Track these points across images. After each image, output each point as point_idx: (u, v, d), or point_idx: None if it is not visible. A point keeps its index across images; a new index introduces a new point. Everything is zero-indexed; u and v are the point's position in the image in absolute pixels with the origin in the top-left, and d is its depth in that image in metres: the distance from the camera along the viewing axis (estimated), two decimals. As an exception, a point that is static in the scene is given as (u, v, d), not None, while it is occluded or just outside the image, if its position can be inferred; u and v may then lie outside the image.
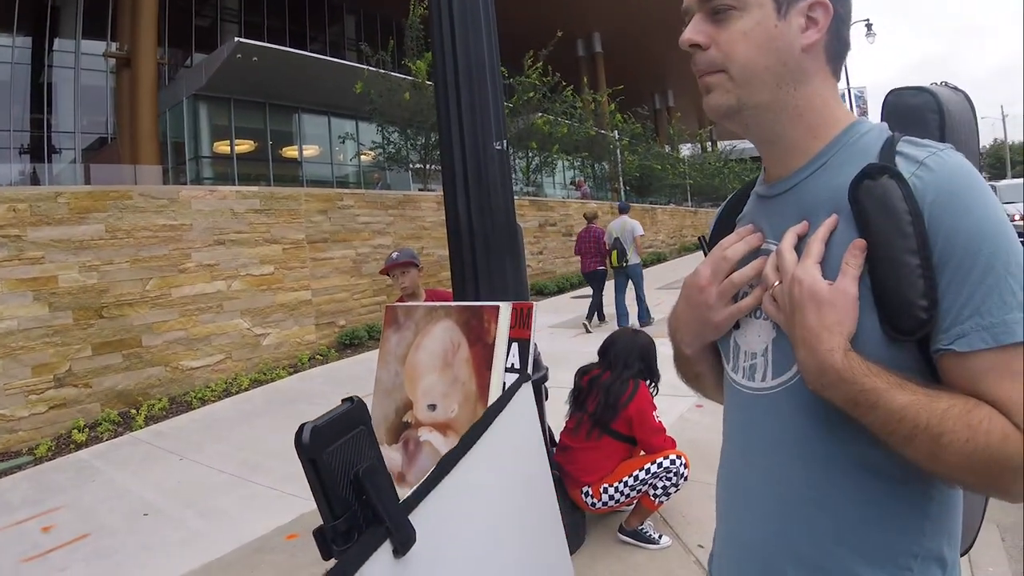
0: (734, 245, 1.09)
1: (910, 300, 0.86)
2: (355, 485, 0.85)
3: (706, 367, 1.25)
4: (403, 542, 0.88)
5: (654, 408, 3.66)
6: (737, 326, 1.12)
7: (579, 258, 11.80)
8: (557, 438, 3.94)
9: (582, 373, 3.91)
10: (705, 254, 1.21)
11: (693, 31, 1.00)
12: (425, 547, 0.92)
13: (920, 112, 1.08)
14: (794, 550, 1.01)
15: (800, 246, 0.98)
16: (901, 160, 0.92)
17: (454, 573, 1.04)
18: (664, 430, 3.67)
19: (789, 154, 1.05)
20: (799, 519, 1.00)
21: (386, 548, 0.86)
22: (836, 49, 1.02)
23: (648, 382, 3.78)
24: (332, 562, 0.81)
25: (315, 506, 0.83)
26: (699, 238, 1.33)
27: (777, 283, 0.98)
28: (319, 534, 0.83)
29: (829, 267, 0.93)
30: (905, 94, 1.12)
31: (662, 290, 15.21)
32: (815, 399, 0.93)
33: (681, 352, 1.24)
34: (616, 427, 3.64)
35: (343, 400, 0.91)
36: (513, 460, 1.25)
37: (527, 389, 1.30)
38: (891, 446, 0.85)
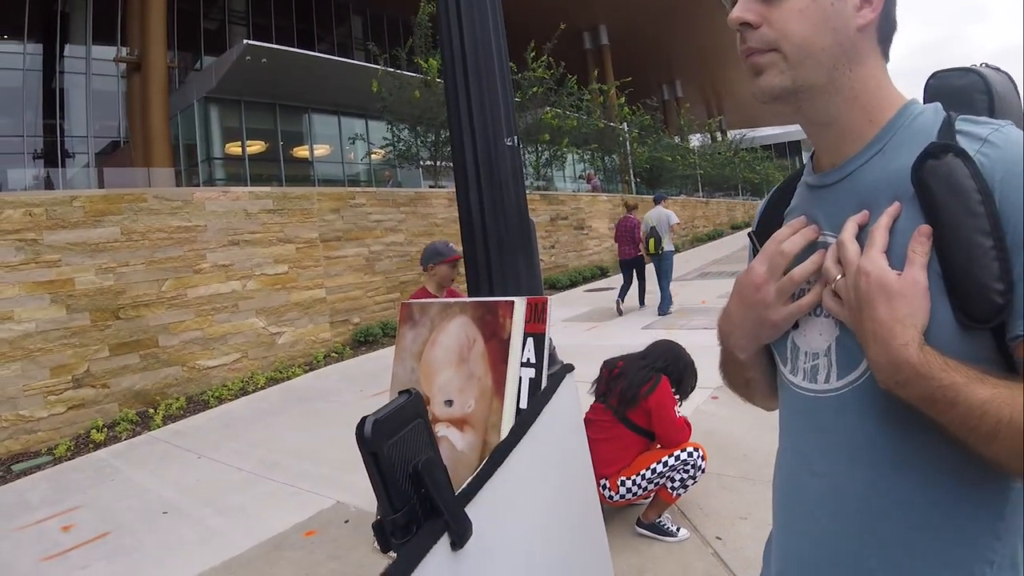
0: (791, 239, 1.03)
1: (984, 284, 0.80)
2: (414, 478, 0.84)
3: (759, 372, 1.19)
4: (460, 535, 0.87)
5: (675, 403, 3.66)
6: (796, 326, 1.06)
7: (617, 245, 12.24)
8: None
9: (609, 364, 3.92)
10: (755, 250, 1.16)
11: (743, 9, 0.96)
12: (480, 539, 0.91)
13: (968, 93, 1.03)
14: (862, 564, 0.95)
15: (861, 237, 0.93)
16: (962, 139, 0.88)
17: (506, 564, 1.03)
18: (687, 427, 3.67)
19: (844, 139, 1.00)
20: (867, 530, 0.95)
21: (444, 541, 0.85)
22: (887, 29, 0.99)
23: (675, 392, 3.76)
24: (391, 555, 0.81)
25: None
26: (748, 234, 1.25)
27: (840, 276, 0.94)
28: (379, 527, 0.82)
29: (894, 256, 0.88)
30: (950, 76, 1.07)
31: (675, 282, 15.14)
32: (886, 399, 0.88)
33: (733, 357, 1.17)
34: (634, 418, 3.64)
35: (400, 393, 0.90)
36: (558, 452, 1.24)
37: (570, 380, 1.30)
38: (971, 445, 0.80)
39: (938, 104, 0.98)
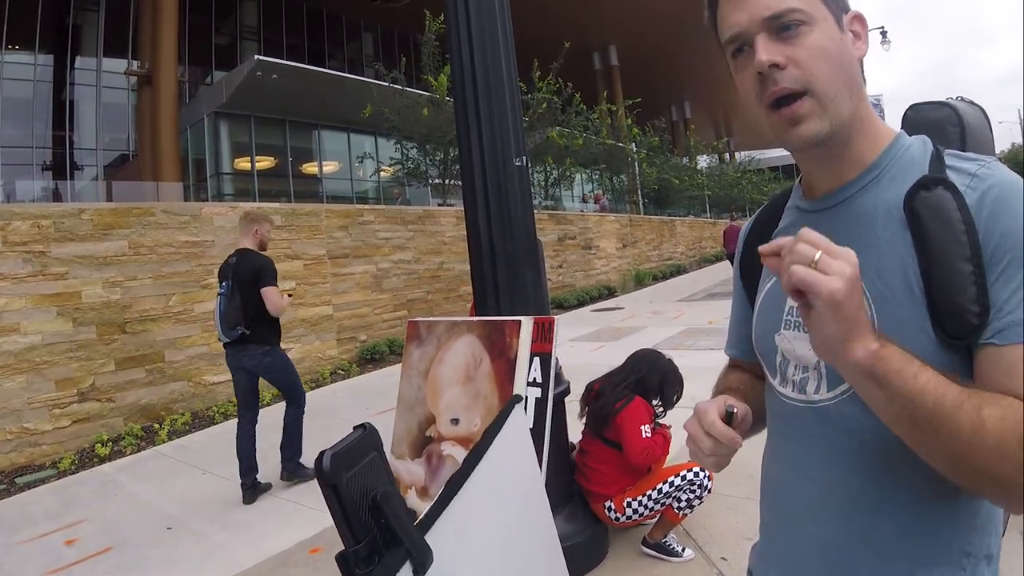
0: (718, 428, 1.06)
1: (963, 306, 0.88)
2: (373, 509, 0.86)
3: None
4: (422, 562, 0.90)
5: (645, 422, 3.52)
6: (784, 340, 1.10)
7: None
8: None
9: (589, 386, 3.87)
10: (744, 284, 1.27)
11: (769, 52, 0.96)
12: (441, 565, 0.93)
13: (941, 125, 1.11)
14: (855, 562, 1.01)
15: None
16: (952, 173, 0.94)
17: None
18: (652, 447, 3.50)
19: (846, 166, 1.04)
20: (860, 530, 1.00)
21: (407, 569, 0.87)
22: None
23: (654, 402, 3.71)
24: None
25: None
26: (732, 259, 1.34)
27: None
28: (342, 559, 0.84)
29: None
30: (925, 109, 1.16)
31: (682, 302, 15.19)
32: None
33: None
34: (612, 437, 3.60)
35: (355, 427, 0.92)
36: (511, 479, 1.27)
37: (519, 410, 1.33)
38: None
39: (925, 137, 1.04)
